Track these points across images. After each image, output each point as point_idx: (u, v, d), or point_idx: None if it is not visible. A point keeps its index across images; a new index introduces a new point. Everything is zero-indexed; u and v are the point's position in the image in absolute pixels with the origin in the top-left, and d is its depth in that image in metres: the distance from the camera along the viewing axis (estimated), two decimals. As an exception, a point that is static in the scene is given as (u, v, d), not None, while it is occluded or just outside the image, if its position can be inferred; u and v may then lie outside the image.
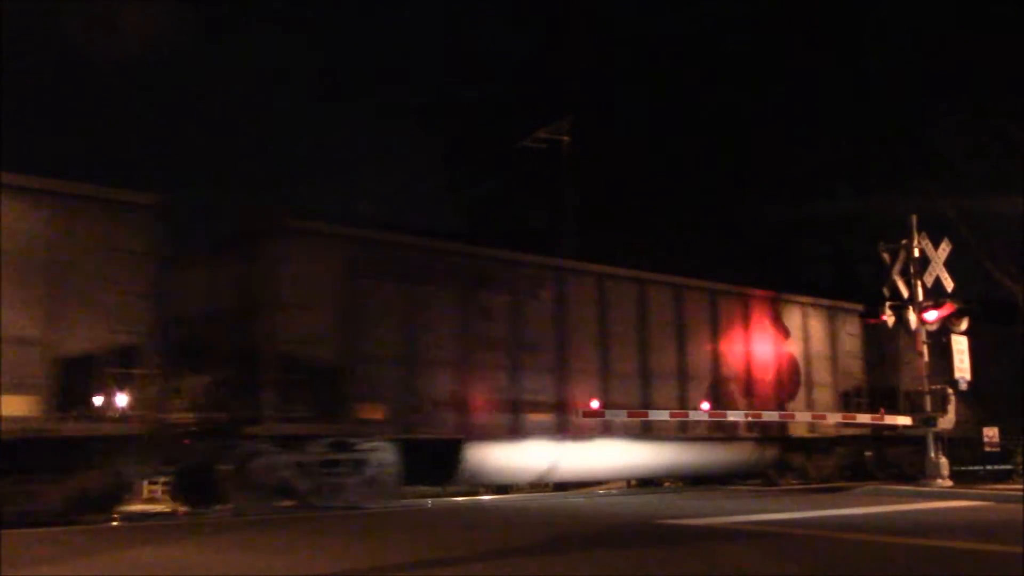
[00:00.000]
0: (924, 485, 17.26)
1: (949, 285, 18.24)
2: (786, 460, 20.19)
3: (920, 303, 18.28)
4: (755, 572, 7.69)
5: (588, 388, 16.46)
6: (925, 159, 24.00)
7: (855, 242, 27.57)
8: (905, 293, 18.39)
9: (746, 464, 19.78)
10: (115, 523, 12.17)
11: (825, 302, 21.42)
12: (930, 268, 18.34)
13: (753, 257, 30.02)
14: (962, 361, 18.12)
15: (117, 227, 12.24)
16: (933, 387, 18.02)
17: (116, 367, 12.05)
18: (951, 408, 17.95)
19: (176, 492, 14.62)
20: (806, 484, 19.66)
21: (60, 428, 11.49)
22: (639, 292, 17.76)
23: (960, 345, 18.19)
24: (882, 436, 20.53)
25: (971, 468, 20.82)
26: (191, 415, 13.84)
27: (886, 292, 18.55)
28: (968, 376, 18.16)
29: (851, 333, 21.36)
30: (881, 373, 21.37)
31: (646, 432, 17.11)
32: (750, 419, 18.48)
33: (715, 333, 18.86)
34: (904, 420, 18.84)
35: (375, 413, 14.06)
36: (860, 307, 21.29)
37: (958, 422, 18.45)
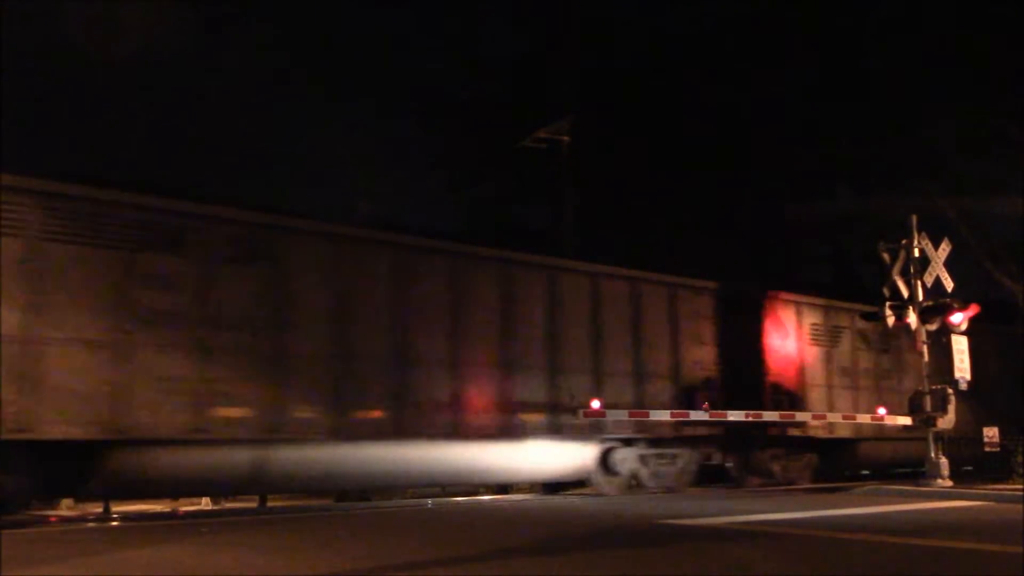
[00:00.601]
0: (924, 485, 17.26)
1: (949, 285, 18.24)
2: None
3: (920, 303, 18.28)
4: (755, 572, 7.69)
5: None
6: (925, 159, 23.99)
7: (855, 242, 27.60)
8: (905, 293, 18.39)
9: None
10: (115, 523, 12.18)
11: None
12: (930, 268, 18.34)
13: (753, 257, 30.05)
14: (962, 361, 18.12)
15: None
16: (933, 387, 18.01)
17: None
18: (951, 408, 17.94)
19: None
20: (804, 485, 19.68)
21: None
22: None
23: (960, 345, 18.18)
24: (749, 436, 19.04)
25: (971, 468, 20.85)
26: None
27: (886, 292, 18.55)
28: (968, 376, 18.15)
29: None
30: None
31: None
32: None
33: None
34: (905, 420, 18.92)
35: None
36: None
37: (958, 422, 18.45)
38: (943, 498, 15.46)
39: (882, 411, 20.09)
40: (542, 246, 20.51)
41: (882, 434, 20.94)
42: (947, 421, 17.88)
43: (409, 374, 14.68)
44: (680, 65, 31.06)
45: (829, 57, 27.86)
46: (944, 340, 18.27)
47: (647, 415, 17.03)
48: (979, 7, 23.12)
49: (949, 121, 23.19)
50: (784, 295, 20.77)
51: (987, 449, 19.74)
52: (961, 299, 18.33)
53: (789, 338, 20.52)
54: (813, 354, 20.94)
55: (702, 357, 18.53)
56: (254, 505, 16.57)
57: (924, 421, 17.95)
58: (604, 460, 17.32)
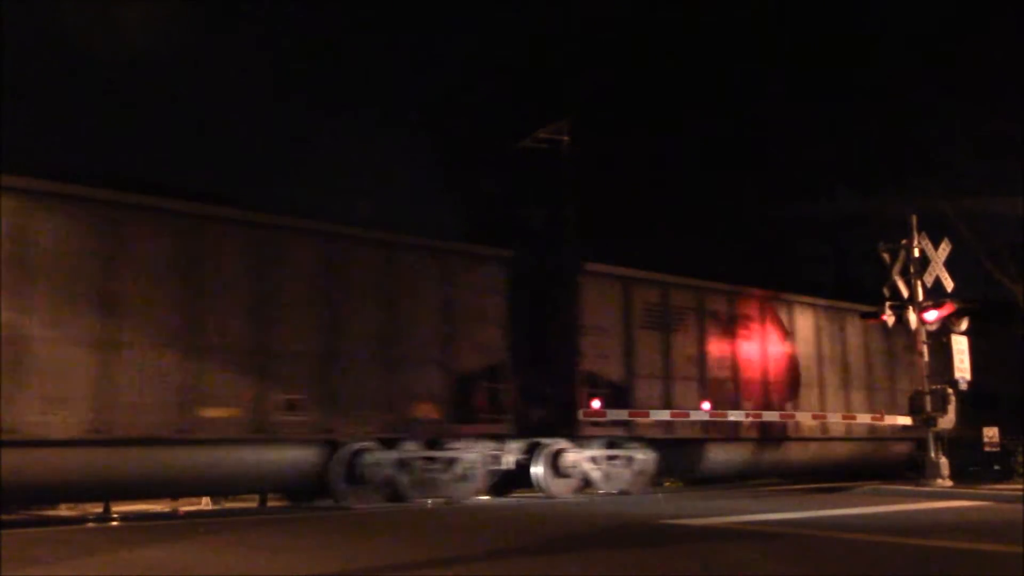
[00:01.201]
0: (924, 485, 17.26)
1: (949, 285, 18.25)
2: None
3: (920, 303, 18.28)
4: (756, 572, 7.69)
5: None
6: (925, 159, 23.99)
7: (855, 242, 27.59)
8: (905, 293, 18.39)
9: None
10: (115, 523, 12.17)
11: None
12: (930, 268, 18.35)
13: (753, 257, 30.03)
14: (962, 361, 18.12)
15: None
16: (933, 387, 18.01)
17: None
18: (951, 408, 17.94)
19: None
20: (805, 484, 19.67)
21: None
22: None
23: (960, 345, 18.18)
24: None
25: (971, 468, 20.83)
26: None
27: (886, 292, 18.55)
28: (968, 376, 18.15)
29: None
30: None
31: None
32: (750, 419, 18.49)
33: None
34: (905, 420, 18.90)
35: None
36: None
37: (957, 422, 18.44)
38: (943, 498, 15.45)
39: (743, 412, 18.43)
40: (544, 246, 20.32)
41: (738, 434, 18.79)
42: (947, 421, 17.89)
43: None
44: (680, 65, 31.08)
45: (829, 57, 27.87)
46: (944, 340, 18.28)
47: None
48: (979, 7, 23.14)
49: (949, 121, 23.19)
50: (606, 268, 17.50)
51: (987, 449, 19.76)
52: (961, 299, 18.35)
53: (613, 320, 17.31)
54: (647, 340, 17.71)
55: (486, 340, 15.60)
56: (254, 505, 16.57)
57: (924, 421, 17.95)
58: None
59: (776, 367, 19.91)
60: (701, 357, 18.52)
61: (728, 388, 18.84)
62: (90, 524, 12.68)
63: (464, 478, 15.40)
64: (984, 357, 19.27)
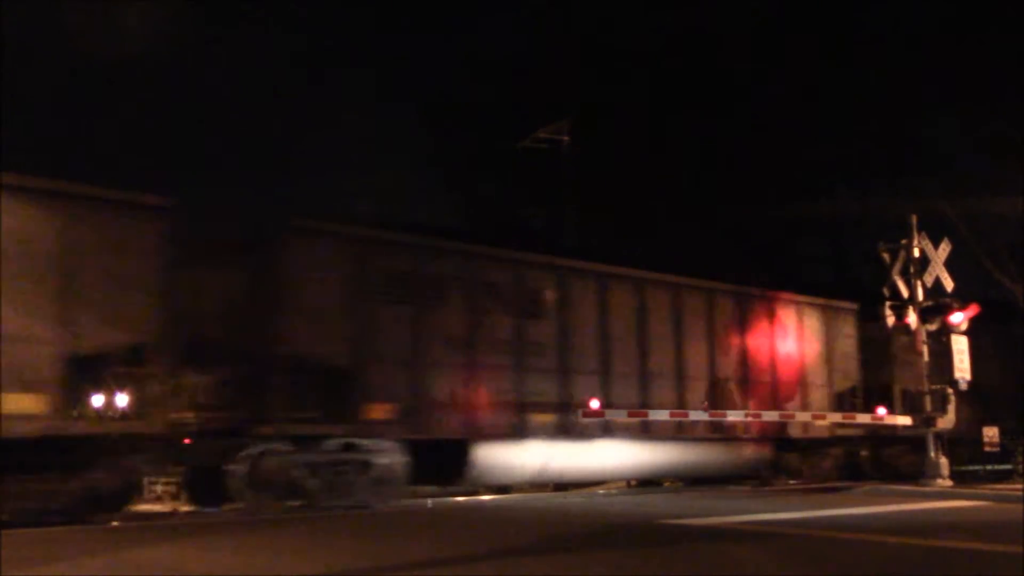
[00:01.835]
0: (924, 485, 17.25)
1: (949, 285, 18.25)
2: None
3: (920, 303, 18.28)
4: (756, 572, 7.69)
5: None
6: (925, 159, 24.03)
7: (855, 242, 27.61)
8: (905, 293, 18.38)
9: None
10: (115, 523, 12.16)
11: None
12: (930, 268, 18.35)
13: (753, 257, 30.03)
14: (962, 361, 18.11)
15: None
16: (933, 387, 18.00)
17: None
18: (951, 408, 17.94)
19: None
20: (805, 484, 19.65)
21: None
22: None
23: (960, 345, 18.18)
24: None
25: (971, 468, 20.82)
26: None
27: (886, 292, 18.55)
28: (968, 376, 18.15)
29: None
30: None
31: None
32: (749, 419, 18.45)
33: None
34: (904, 420, 18.85)
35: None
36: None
37: (958, 422, 18.44)
38: (943, 498, 15.45)
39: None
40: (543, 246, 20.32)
41: (524, 433, 15.69)
42: (947, 421, 17.89)
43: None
44: (680, 65, 31.11)
45: (829, 57, 27.91)
46: (944, 340, 18.28)
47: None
48: (979, 7, 23.16)
49: (949, 121, 23.21)
50: (314, 224, 14.08)
51: (987, 449, 19.77)
52: (961, 299, 18.35)
53: (332, 292, 13.87)
54: (389, 316, 14.38)
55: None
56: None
57: (924, 421, 17.95)
58: None
59: (537, 352, 16.07)
60: (471, 339, 15.31)
61: (511, 376, 15.57)
62: (90, 524, 12.66)
63: None
64: (984, 356, 19.29)
